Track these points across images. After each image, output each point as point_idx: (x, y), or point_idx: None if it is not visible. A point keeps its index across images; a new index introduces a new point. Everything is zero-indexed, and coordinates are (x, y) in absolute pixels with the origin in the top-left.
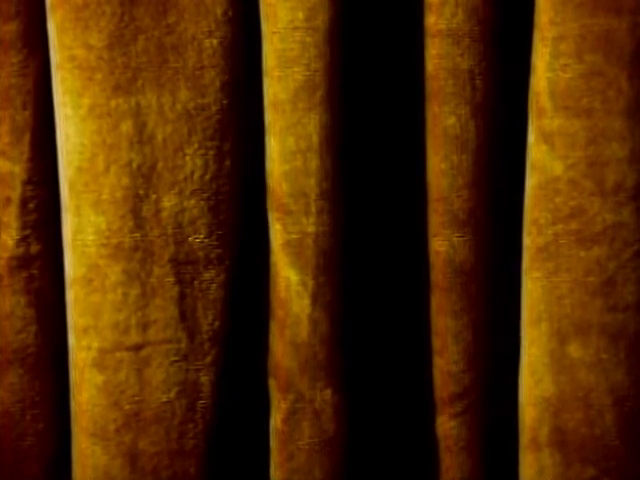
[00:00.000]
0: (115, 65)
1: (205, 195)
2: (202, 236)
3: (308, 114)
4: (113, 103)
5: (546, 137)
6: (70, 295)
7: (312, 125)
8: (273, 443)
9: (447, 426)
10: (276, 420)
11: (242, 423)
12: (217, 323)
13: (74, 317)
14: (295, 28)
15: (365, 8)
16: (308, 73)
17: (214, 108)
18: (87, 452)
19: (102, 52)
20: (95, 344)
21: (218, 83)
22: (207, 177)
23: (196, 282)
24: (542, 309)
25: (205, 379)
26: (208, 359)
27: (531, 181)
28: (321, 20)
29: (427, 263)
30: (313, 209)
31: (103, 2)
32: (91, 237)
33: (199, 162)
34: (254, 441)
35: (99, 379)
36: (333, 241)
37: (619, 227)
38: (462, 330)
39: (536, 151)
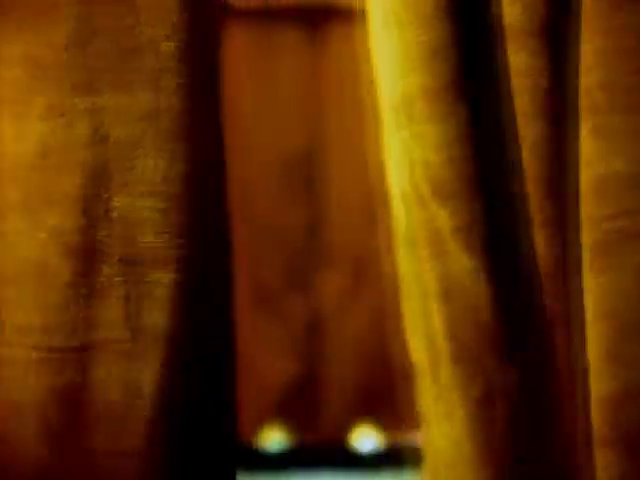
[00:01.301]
0: (73, 65)
1: (155, 197)
2: (150, 237)
3: (460, 103)
4: (69, 103)
5: (598, 132)
6: (11, 292)
7: (464, 113)
8: (469, 428)
9: None
10: (470, 406)
11: (197, 426)
12: (162, 323)
13: (18, 315)
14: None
15: None
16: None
17: (170, 111)
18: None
19: (59, 51)
20: (41, 343)
21: (174, 86)
22: (157, 179)
23: (143, 283)
24: (600, 306)
25: (148, 379)
26: (151, 359)
27: (583, 177)
28: None
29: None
30: (477, 194)
31: (62, 2)
32: (42, 235)
33: (150, 164)
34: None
35: (44, 379)
36: (491, 225)
37: None
38: None
39: (588, 146)
